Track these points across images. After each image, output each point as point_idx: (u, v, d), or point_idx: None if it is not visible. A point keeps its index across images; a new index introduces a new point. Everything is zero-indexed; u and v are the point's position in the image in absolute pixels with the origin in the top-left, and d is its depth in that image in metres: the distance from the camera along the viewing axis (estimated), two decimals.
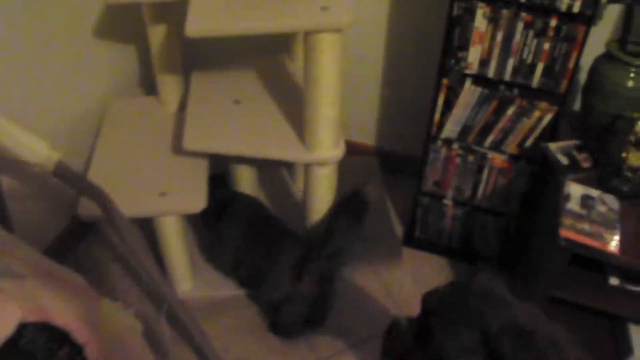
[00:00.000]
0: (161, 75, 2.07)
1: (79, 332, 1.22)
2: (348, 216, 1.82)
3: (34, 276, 1.23)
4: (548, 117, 1.76)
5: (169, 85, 2.09)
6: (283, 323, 1.98)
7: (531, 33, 1.65)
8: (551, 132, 1.79)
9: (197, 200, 1.82)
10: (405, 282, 2.17)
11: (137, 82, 2.45)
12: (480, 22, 1.68)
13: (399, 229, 2.35)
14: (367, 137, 2.55)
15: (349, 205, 1.86)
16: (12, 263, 1.24)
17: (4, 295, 1.14)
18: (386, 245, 2.26)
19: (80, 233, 2.23)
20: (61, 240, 2.15)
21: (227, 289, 2.09)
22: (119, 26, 2.22)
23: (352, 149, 2.54)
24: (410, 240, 2.26)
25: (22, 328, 1.12)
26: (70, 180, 1.32)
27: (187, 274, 2.06)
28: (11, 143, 1.25)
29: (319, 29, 1.48)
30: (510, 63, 1.72)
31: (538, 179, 1.88)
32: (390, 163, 2.54)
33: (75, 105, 2.12)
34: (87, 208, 1.74)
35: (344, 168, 1.91)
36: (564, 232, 1.47)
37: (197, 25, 1.46)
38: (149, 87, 2.35)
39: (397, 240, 2.28)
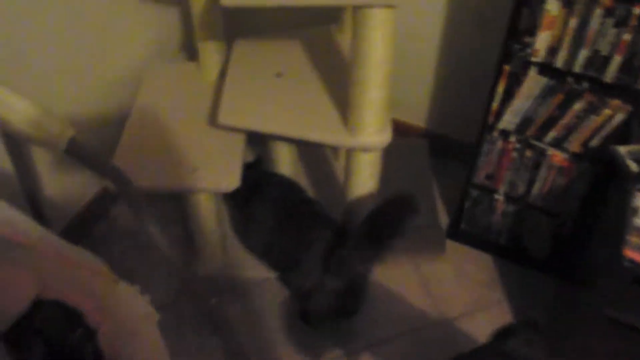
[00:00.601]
0: (202, 42, 1.95)
1: (93, 314, 1.16)
2: (391, 216, 1.69)
3: (48, 257, 1.18)
4: (620, 117, 1.58)
5: (210, 52, 1.98)
6: (312, 312, 1.88)
7: (610, 21, 1.46)
8: (622, 134, 1.60)
9: (230, 179, 1.71)
10: (445, 277, 2.05)
11: (180, 46, 2.35)
12: (552, 5, 1.50)
13: (444, 219, 2.20)
14: (418, 118, 2.40)
15: (396, 205, 1.72)
16: (26, 244, 1.19)
17: (20, 269, 1.10)
18: (429, 235, 2.13)
19: (111, 202, 2.17)
20: (90, 209, 2.09)
21: (257, 271, 2.00)
22: None
23: (402, 130, 2.41)
24: (455, 233, 2.12)
25: (37, 304, 1.07)
26: (84, 159, 1.22)
27: (217, 252, 1.97)
28: (18, 119, 1.15)
29: (369, 4, 1.33)
30: (583, 54, 1.54)
31: (601, 183, 1.70)
32: (441, 148, 2.38)
33: (113, 67, 2.05)
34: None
35: (392, 149, 1.78)
36: (629, 253, 1.30)
37: None
38: (193, 52, 2.25)
39: (441, 232, 2.13)
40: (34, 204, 1.61)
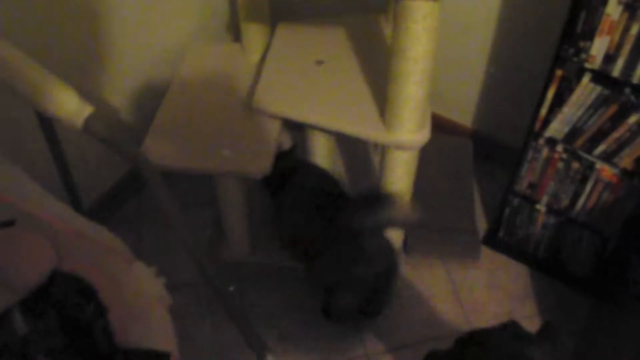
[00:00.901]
0: (246, 23, 1.90)
1: (105, 292, 1.15)
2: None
3: (67, 232, 1.19)
4: None
5: (254, 34, 1.93)
6: (335, 308, 1.83)
7: None
8: None
9: (261, 165, 1.66)
10: (477, 285, 1.97)
11: (227, 26, 2.31)
12: (613, 8, 1.39)
13: (482, 224, 2.12)
14: (465, 117, 2.30)
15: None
16: (45, 218, 1.21)
17: (41, 239, 1.11)
18: (464, 240, 2.04)
19: (137, 182, 2.16)
20: (118, 188, 2.09)
21: (285, 260, 1.95)
22: None
23: (447, 127, 2.32)
24: (492, 240, 2.03)
25: (54, 276, 1.07)
26: (104, 138, 1.18)
27: (245, 238, 1.93)
28: (34, 91, 1.12)
29: None
30: None
31: None
32: (486, 149, 2.29)
33: (157, 42, 2.03)
34: (150, 154, 1.64)
35: (435, 146, 1.71)
36: None
37: None
38: (238, 33, 2.21)
39: (477, 238, 2.05)
40: (65, 179, 1.60)
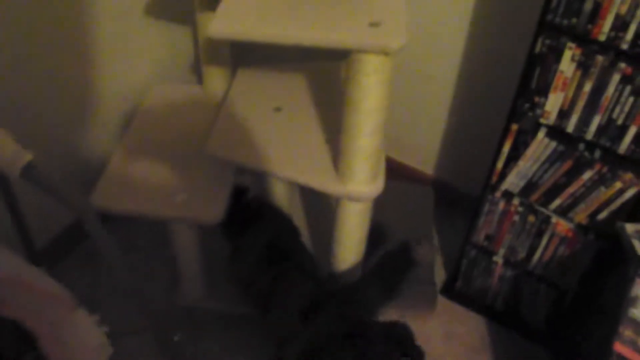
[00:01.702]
0: (207, 66, 1.89)
1: (46, 341, 1.16)
2: (386, 276, 1.60)
3: (8, 279, 1.17)
4: (631, 192, 1.47)
5: (214, 77, 1.92)
6: None
7: (628, 89, 1.36)
8: (632, 210, 1.49)
9: (214, 213, 1.63)
10: (434, 336, 1.94)
11: (192, 67, 2.30)
12: (566, 66, 1.40)
13: (441, 274, 2.10)
14: (426, 164, 2.30)
15: (391, 261, 1.63)
16: None
17: None
18: (422, 290, 2.01)
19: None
20: (70, 231, 2.03)
21: (238, 306, 1.91)
22: (171, 9, 2.07)
23: (408, 174, 2.31)
24: (449, 290, 2.01)
25: None
26: (43, 186, 1.15)
27: (198, 282, 1.89)
28: None
29: (363, 49, 1.24)
30: (596, 120, 1.43)
31: (606, 259, 1.58)
32: (447, 197, 2.28)
33: (119, 84, 2.01)
34: (103, 198, 1.60)
35: (397, 193, 1.68)
36: (619, 347, 1.18)
37: (223, 25, 1.26)
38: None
39: (435, 288, 2.02)
40: (17, 219, 1.55)
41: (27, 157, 1.11)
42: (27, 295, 1.18)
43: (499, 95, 1.89)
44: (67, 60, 1.79)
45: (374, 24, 1.24)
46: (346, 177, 1.49)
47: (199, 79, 2.30)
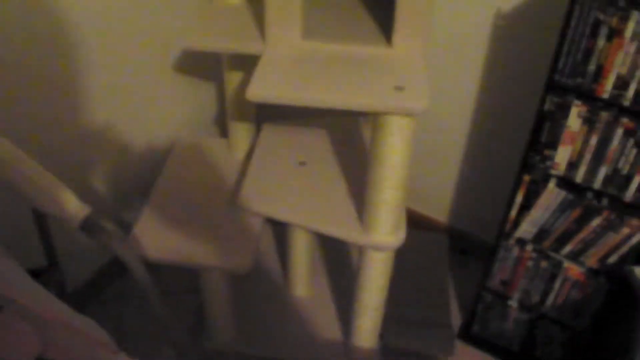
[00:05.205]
0: (233, 121, 2.01)
1: None
2: None
3: (53, 322, 1.19)
4: (638, 237, 1.57)
5: (240, 132, 2.04)
6: None
7: (631, 141, 1.47)
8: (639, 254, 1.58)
9: (244, 261, 1.73)
10: None
11: (215, 121, 2.42)
12: (573, 122, 1.52)
13: (457, 318, 2.17)
14: (440, 212, 2.40)
15: None
16: (33, 309, 1.23)
17: (26, 326, 1.11)
18: (439, 334, 2.09)
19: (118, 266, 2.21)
20: (102, 271, 2.12)
21: (268, 351, 1.98)
22: (198, 65, 2.20)
23: (423, 223, 2.41)
24: (466, 334, 2.08)
25: None
26: (99, 238, 1.25)
27: (228, 327, 1.97)
28: (35, 193, 1.20)
29: (389, 112, 1.36)
30: (603, 171, 1.54)
31: (617, 301, 1.67)
32: (461, 244, 2.37)
33: (146, 136, 2.11)
34: (138, 240, 1.70)
35: (412, 241, 1.77)
36: None
37: (259, 89, 1.38)
38: (224, 126, 2.32)
39: (452, 332, 2.10)
40: (51, 258, 1.64)
41: (86, 211, 1.22)
42: (73, 339, 1.23)
43: (510, 147, 2.01)
44: (99, 114, 1.91)
45: (399, 88, 1.36)
46: (371, 228, 1.60)
47: (222, 131, 2.42)
